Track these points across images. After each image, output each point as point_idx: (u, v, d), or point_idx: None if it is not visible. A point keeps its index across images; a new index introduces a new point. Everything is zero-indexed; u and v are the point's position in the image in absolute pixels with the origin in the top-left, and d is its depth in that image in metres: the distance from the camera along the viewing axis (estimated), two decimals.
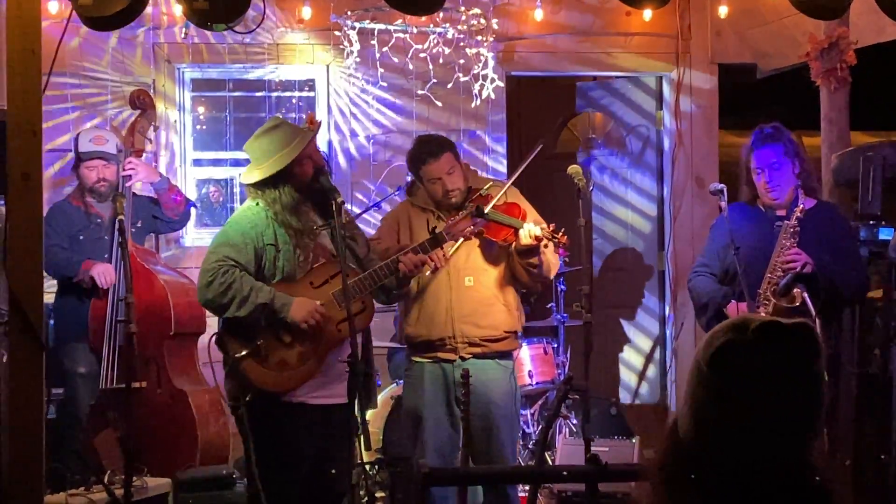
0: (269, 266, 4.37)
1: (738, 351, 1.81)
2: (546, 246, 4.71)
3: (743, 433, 1.79)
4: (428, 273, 4.81)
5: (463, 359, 4.83)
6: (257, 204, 4.44)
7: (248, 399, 4.29)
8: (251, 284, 4.27)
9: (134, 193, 5.91)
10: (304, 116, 6.94)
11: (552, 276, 4.98)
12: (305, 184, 4.39)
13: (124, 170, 5.81)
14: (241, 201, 7.09)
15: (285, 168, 4.37)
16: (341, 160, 7.26)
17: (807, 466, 1.81)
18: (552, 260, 4.86)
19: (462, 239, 4.73)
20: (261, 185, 4.43)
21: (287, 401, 4.34)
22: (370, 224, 7.14)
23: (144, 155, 6.04)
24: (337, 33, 7.06)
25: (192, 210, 6.44)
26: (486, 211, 4.66)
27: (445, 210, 4.87)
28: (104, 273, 5.65)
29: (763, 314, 4.67)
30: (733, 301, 4.86)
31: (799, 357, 1.81)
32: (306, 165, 4.39)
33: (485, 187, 4.90)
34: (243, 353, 4.30)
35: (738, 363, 1.80)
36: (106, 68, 7.03)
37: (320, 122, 4.80)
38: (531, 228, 4.65)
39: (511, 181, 4.96)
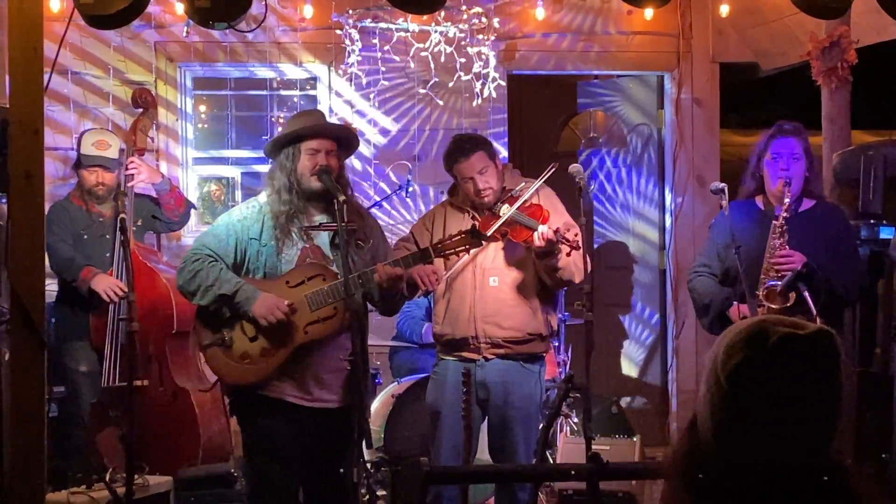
0: (253, 260, 4.40)
1: (758, 368, 1.79)
2: (559, 250, 4.68)
3: (764, 439, 1.78)
4: (419, 295, 4.79)
5: (487, 359, 4.83)
6: (258, 198, 4.47)
7: (212, 386, 4.36)
8: (217, 275, 4.31)
9: (135, 192, 5.92)
10: None
11: (578, 281, 4.89)
12: (300, 175, 4.38)
13: (127, 169, 5.80)
14: (245, 199, 7.15)
15: (292, 145, 4.39)
16: None
17: (832, 467, 1.81)
18: (577, 263, 4.76)
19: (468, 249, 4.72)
20: (275, 151, 4.46)
21: (263, 394, 4.36)
22: None
23: (146, 154, 6.04)
24: (338, 32, 7.07)
25: (193, 212, 6.43)
26: (502, 213, 4.66)
27: (480, 210, 4.86)
28: (110, 288, 5.62)
29: (761, 315, 4.67)
30: (735, 303, 4.85)
31: (819, 367, 1.79)
32: (309, 157, 4.38)
33: (517, 188, 4.88)
34: (208, 341, 4.38)
35: (758, 380, 1.78)
36: (108, 67, 7.04)
37: (350, 132, 4.79)
38: (544, 231, 4.64)
39: (537, 183, 4.89)
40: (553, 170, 4.95)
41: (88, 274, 5.67)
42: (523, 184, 4.92)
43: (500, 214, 4.73)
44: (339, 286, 4.26)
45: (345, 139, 4.57)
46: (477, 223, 4.68)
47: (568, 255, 4.68)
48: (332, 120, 7.06)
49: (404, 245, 4.85)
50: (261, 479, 4.42)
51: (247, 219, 4.42)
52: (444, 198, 5.20)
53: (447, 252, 4.44)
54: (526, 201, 4.79)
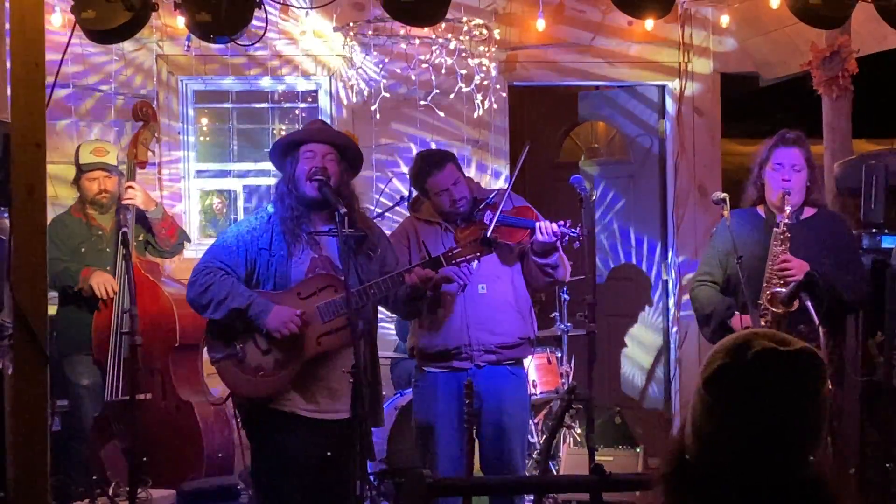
0: (263, 271, 4.38)
1: (735, 375, 1.80)
2: (563, 242, 4.72)
3: (738, 451, 1.79)
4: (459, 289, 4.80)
5: (478, 367, 4.82)
6: (265, 208, 4.47)
7: (226, 399, 4.35)
8: (230, 288, 4.28)
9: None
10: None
11: (567, 280, 4.97)
12: (298, 179, 4.39)
13: (125, 197, 5.74)
14: (247, 213, 7.15)
15: (293, 150, 4.41)
16: None
17: (810, 480, 1.81)
18: (565, 262, 4.88)
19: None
20: (279, 159, 4.49)
21: (275, 408, 4.35)
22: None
23: (147, 166, 6.02)
24: (340, 44, 7.08)
25: (197, 222, 6.42)
26: (495, 218, 4.68)
27: (452, 221, 4.87)
28: (104, 283, 5.64)
29: (763, 324, 4.66)
30: (737, 314, 4.84)
31: (796, 385, 1.79)
32: (306, 161, 4.39)
33: (490, 196, 4.90)
34: (220, 355, 4.35)
35: (734, 387, 1.80)
36: (109, 81, 7.05)
37: (351, 146, 4.77)
38: (547, 225, 4.67)
39: (510, 184, 4.97)
40: (526, 149, 4.96)
41: (87, 272, 5.67)
42: (495, 192, 4.94)
43: (486, 221, 4.73)
44: (351, 297, 4.28)
45: (343, 147, 4.57)
46: (461, 234, 4.72)
47: (577, 247, 4.72)
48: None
49: None
50: (273, 495, 4.39)
51: (256, 229, 4.40)
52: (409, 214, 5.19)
53: (459, 260, 4.52)
54: (505, 204, 4.80)
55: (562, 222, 4.71)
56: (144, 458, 5.27)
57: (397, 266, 4.57)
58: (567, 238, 4.70)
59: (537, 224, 4.69)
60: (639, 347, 8.19)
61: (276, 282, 4.37)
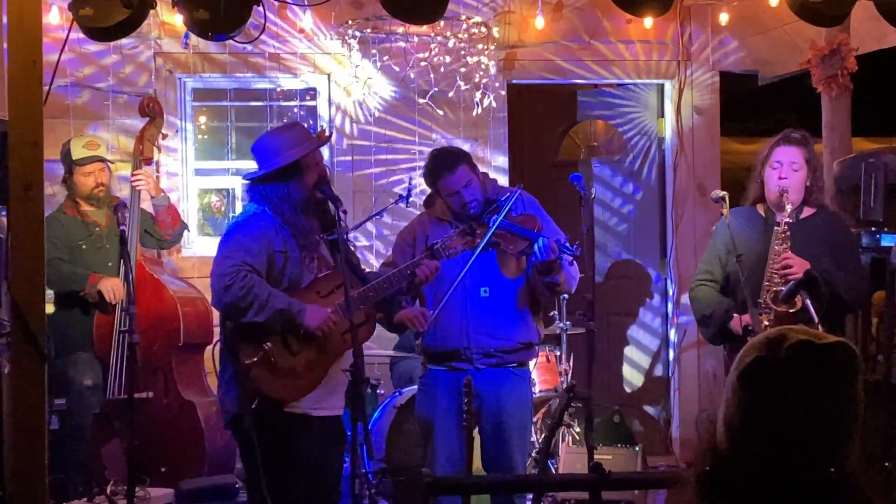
0: (278, 272, 4.37)
1: (769, 369, 1.79)
2: (560, 259, 4.68)
3: (772, 445, 1.78)
4: (418, 340, 4.81)
5: (477, 369, 4.82)
6: (265, 210, 4.42)
7: (253, 406, 4.28)
8: (269, 290, 4.26)
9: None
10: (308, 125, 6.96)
11: (574, 290, 4.92)
12: (308, 191, 4.39)
13: (133, 177, 5.75)
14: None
15: (293, 167, 4.38)
16: (342, 169, 7.27)
17: (844, 477, 1.80)
18: (573, 274, 4.80)
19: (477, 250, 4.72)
20: (268, 180, 4.42)
21: (291, 412, 4.34)
22: (371, 235, 7.15)
23: (152, 163, 6.02)
24: (338, 42, 7.07)
25: (194, 222, 6.41)
26: (494, 222, 4.67)
27: (464, 221, 4.83)
28: (114, 288, 5.61)
29: (765, 322, 4.65)
30: (736, 315, 4.83)
31: (830, 378, 1.79)
32: (312, 170, 4.40)
33: (502, 198, 4.87)
34: (254, 359, 4.26)
35: (768, 381, 1.79)
36: (107, 78, 7.04)
37: (330, 136, 4.80)
38: (545, 244, 4.60)
39: (515, 195, 4.90)
40: (518, 192, 4.92)
41: (95, 279, 5.64)
42: (508, 193, 4.91)
43: (490, 225, 4.71)
44: (368, 291, 4.37)
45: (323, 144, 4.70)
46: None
47: (571, 264, 4.69)
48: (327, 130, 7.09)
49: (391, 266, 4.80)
50: (286, 497, 4.36)
51: (268, 232, 4.36)
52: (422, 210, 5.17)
53: (450, 252, 4.56)
54: (511, 211, 4.77)
55: (558, 239, 4.67)
56: (159, 469, 5.27)
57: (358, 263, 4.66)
58: (563, 255, 4.66)
59: (536, 245, 4.65)
60: (638, 346, 8.19)
61: (291, 282, 4.36)
